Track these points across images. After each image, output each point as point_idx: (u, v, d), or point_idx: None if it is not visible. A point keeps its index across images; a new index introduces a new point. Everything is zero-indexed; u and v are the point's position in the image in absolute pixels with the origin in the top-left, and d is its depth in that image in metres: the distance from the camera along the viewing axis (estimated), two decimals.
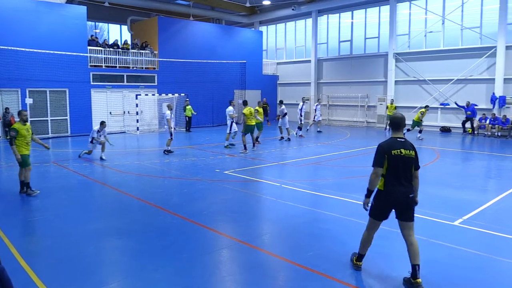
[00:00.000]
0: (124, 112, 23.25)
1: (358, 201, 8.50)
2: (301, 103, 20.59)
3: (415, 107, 24.42)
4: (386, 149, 4.84)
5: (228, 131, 16.78)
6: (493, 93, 21.25)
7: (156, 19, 25.48)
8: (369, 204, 5.00)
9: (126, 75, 23.45)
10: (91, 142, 13.95)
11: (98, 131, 13.88)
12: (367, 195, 4.96)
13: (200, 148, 16.47)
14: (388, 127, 21.63)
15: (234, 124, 16.96)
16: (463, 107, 21.73)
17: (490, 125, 20.77)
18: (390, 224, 7.15)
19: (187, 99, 23.66)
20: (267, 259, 5.72)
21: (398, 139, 4.92)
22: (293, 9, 28.50)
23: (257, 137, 17.21)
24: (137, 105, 22.25)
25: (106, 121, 14.81)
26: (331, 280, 4.98)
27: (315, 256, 5.67)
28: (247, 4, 28.59)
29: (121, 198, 9.07)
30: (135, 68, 24.04)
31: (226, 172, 11.66)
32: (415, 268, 4.74)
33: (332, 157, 14.31)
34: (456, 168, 12.85)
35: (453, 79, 23.00)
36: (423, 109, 19.56)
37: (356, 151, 15.72)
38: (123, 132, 22.74)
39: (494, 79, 21.36)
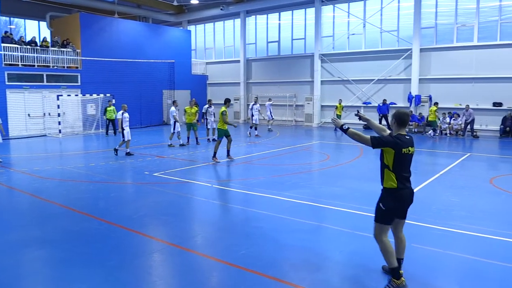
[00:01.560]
0: (45, 114, 21.90)
1: (288, 198, 8.72)
2: (252, 103, 21.14)
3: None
4: (396, 145, 4.63)
5: (172, 131, 16.96)
6: (410, 92, 22.79)
7: (78, 16, 24.30)
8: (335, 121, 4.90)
9: (46, 75, 22.12)
10: None
11: None
12: (342, 129, 4.80)
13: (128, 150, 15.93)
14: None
15: (177, 124, 17.03)
16: (378, 107, 23.30)
17: None
18: (316, 218, 7.42)
19: (110, 100, 22.66)
20: (200, 260, 5.69)
21: (406, 136, 4.76)
22: (221, 9, 28.52)
23: (196, 138, 17.69)
24: (58, 106, 21.01)
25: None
26: (263, 277, 5.05)
27: (248, 255, 5.73)
28: (175, 3, 28.16)
29: (42, 205, 8.52)
30: (56, 67, 22.73)
31: (155, 174, 11.40)
32: (400, 261, 4.87)
33: (262, 156, 14.53)
34: (377, 164, 13.56)
35: (374, 79, 24.34)
36: (435, 107, 20.50)
37: (285, 149, 16.09)
38: (43, 136, 21.40)
39: (410, 79, 22.92)
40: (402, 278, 4.72)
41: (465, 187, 9.94)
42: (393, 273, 4.72)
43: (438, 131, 20.93)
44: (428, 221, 7.15)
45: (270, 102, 23.43)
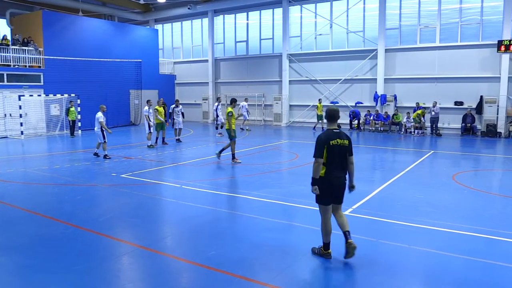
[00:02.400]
0: (6, 115, 21.10)
1: (258, 197, 8.75)
2: (216, 103, 21.23)
3: (308, 105, 25.81)
4: (325, 141, 5.32)
5: (148, 131, 16.71)
6: (376, 92, 23.28)
7: (40, 13, 23.55)
8: (316, 190, 5.41)
9: (7, 74, 21.33)
10: None
11: None
12: (313, 183, 5.41)
13: (94, 152, 15.57)
14: (320, 121, 22.97)
15: (150, 123, 16.81)
16: (351, 111, 23.59)
17: (374, 121, 22.72)
18: (286, 217, 7.48)
19: (71, 101, 22.08)
20: (169, 262, 5.63)
21: (334, 131, 5.42)
22: (189, 8, 28.29)
23: (163, 138, 17.50)
24: (20, 107, 20.30)
25: None
26: (233, 277, 5.06)
27: (217, 255, 5.71)
28: (141, 1, 27.73)
29: (4, 210, 8.22)
30: (17, 66, 21.95)
31: (123, 175, 11.20)
32: (346, 233, 5.42)
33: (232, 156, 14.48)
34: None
35: (341, 79, 24.73)
36: (421, 111, 21.07)
37: (254, 149, 16.12)
38: (4, 137, 20.63)
39: (376, 79, 23.43)
40: (329, 250, 5.55)
41: (429, 183, 10.24)
42: (324, 245, 5.57)
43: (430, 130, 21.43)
44: (394, 217, 7.34)
45: (246, 103, 23.46)
